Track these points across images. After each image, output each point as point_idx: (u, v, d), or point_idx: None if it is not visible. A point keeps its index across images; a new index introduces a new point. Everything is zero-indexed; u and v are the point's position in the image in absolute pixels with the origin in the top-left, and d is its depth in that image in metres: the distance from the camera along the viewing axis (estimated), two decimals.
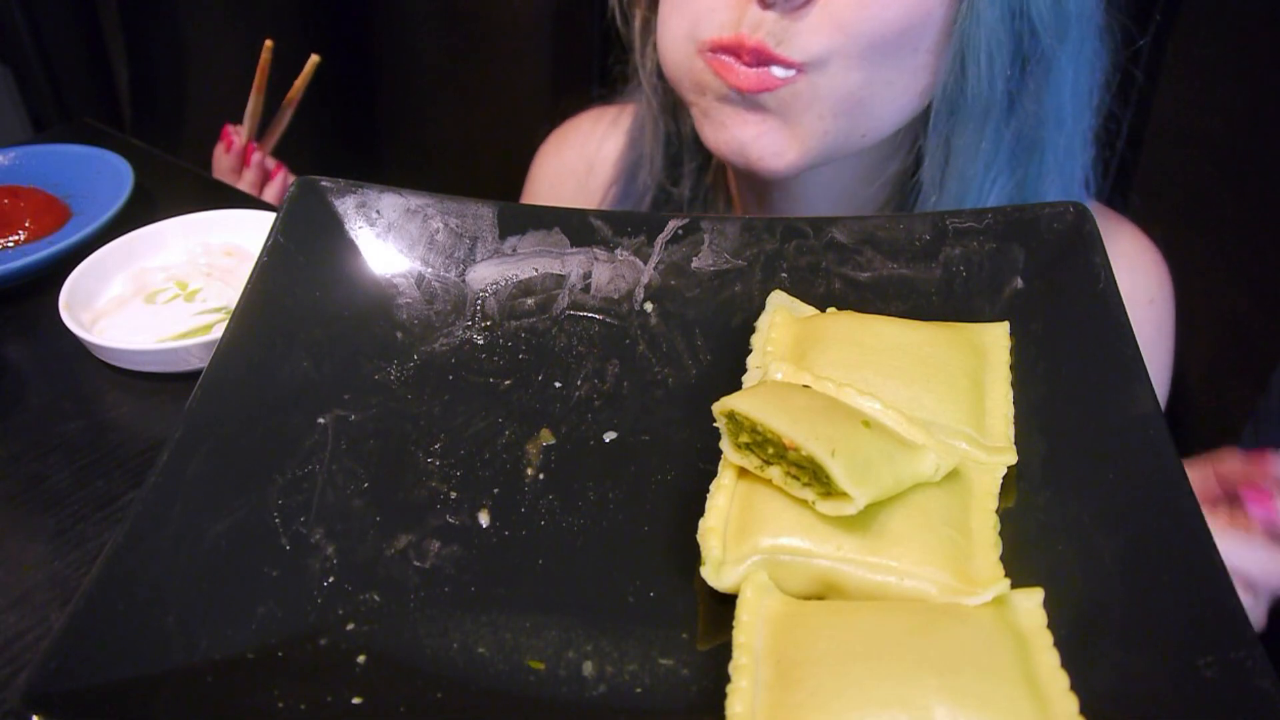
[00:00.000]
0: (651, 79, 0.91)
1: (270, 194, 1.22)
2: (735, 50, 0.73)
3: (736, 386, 0.57)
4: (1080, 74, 0.79)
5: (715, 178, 0.97)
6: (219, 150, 1.26)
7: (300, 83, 1.26)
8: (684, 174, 0.95)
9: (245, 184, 1.22)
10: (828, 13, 0.71)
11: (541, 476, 0.54)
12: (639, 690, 0.44)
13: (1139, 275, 0.91)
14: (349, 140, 1.59)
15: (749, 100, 0.75)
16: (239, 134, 1.26)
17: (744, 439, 0.49)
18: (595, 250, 0.64)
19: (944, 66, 0.75)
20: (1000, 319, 0.59)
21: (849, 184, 0.87)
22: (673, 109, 0.92)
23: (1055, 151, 0.81)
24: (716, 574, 0.46)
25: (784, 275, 0.63)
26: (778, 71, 0.73)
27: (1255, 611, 0.69)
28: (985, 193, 0.80)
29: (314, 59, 1.24)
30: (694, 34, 0.76)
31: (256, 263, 0.61)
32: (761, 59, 0.72)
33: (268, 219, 0.81)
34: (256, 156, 1.27)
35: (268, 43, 1.21)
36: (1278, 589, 0.68)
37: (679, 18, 0.77)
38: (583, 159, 1.05)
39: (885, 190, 0.88)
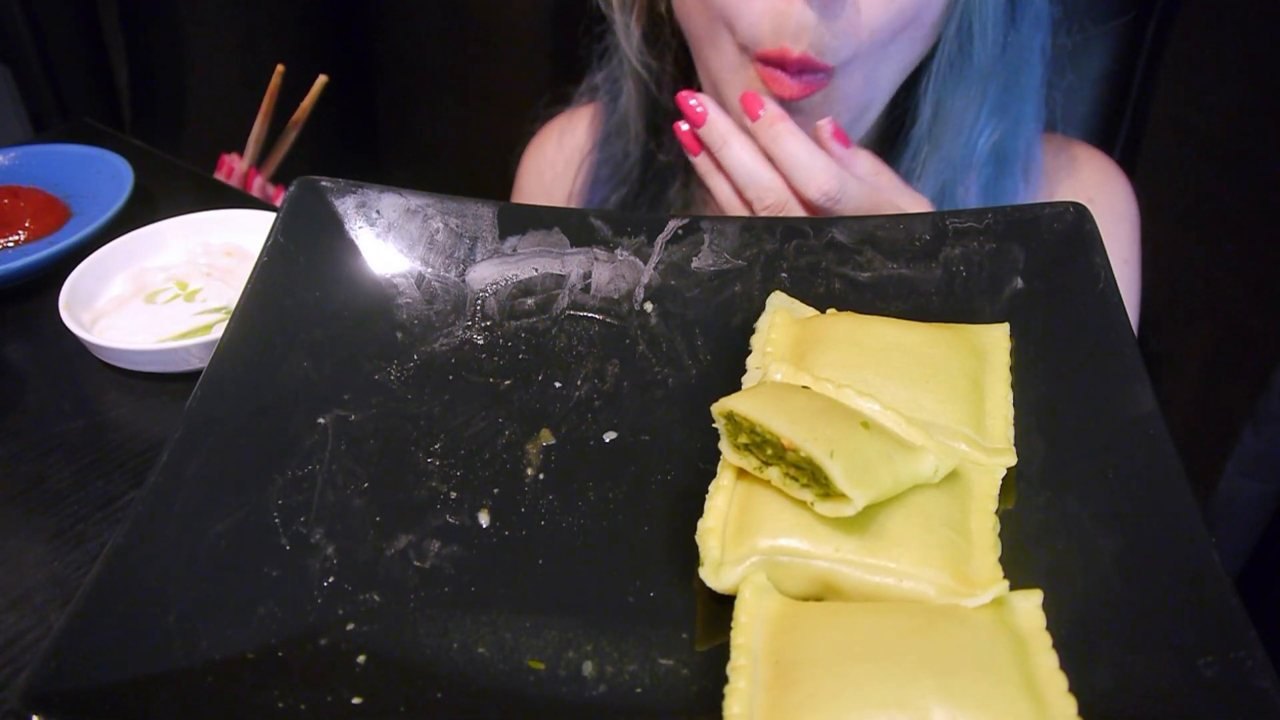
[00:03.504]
0: (638, 53, 0.93)
1: None
2: (781, 63, 0.76)
3: (736, 387, 0.57)
4: (1042, 15, 0.83)
5: None
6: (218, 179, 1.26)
7: (307, 103, 1.26)
8: (665, 142, 0.97)
9: None
10: (857, 11, 0.74)
11: (541, 476, 0.54)
12: (639, 690, 0.44)
13: (1106, 196, 0.94)
14: (349, 140, 1.59)
15: (788, 105, 0.79)
16: (237, 161, 1.26)
17: (743, 440, 0.49)
18: (595, 250, 0.64)
19: (948, 35, 0.79)
20: (1000, 319, 0.59)
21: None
22: (657, 80, 0.94)
23: (1034, 92, 0.86)
24: (715, 575, 0.46)
25: (784, 275, 0.63)
26: (815, 77, 0.76)
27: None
28: (974, 143, 0.85)
29: (322, 79, 1.24)
30: (745, 44, 0.78)
31: (256, 263, 0.61)
32: (805, 68, 0.75)
33: (268, 219, 0.81)
34: (258, 182, 1.27)
35: (279, 67, 1.21)
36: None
37: (721, 33, 0.80)
38: (560, 150, 1.07)
39: (877, 144, 0.91)
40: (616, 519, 0.52)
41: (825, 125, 0.72)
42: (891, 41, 0.77)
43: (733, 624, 0.44)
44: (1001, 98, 0.84)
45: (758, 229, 0.64)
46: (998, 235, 0.61)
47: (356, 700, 0.43)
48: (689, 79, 0.94)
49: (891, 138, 0.90)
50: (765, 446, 0.48)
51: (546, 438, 0.56)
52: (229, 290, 0.80)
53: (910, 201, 0.76)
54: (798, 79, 0.76)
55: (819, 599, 0.46)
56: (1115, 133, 1.08)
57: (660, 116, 0.97)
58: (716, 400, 0.50)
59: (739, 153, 0.72)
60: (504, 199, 0.67)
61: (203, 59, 1.55)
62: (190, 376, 0.71)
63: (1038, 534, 0.48)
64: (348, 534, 0.51)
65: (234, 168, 1.26)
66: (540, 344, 0.61)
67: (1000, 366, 0.56)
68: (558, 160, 1.07)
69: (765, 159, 0.72)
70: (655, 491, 0.53)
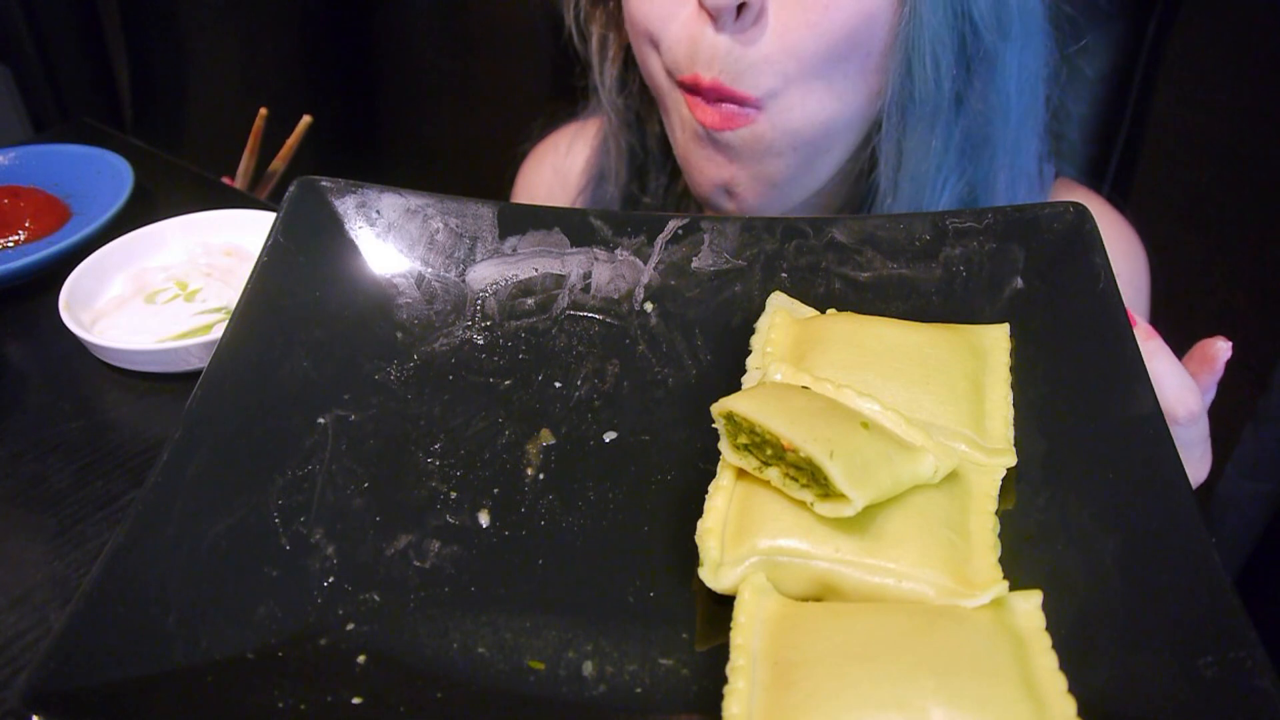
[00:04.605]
0: (611, 96, 0.93)
1: None
2: (695, 88, 0.75)
3: (736, 387, 0.57)
4: (1026, 70, 0.80)
5: (685, 187, 0.98)
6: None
7: (292, 142, 1.26)
8: (650, 185, 0.97)
9: None
10: (777, 37, 0.72)
11: (541, 476, 0.54)
12: (639, 690, 0.44)
13: (1128, 267, 0.92)
14: (349, 140, 1.59)
15: (717, 140, 0.77)
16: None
17: (743, 440, 0.49)
18: (595, 250, 0.64)
19: (893, 69, 0.75)
20: (1000, 319, 0.59)
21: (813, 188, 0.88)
22: (634, 124, 0.94)
23: (1005, 147, 0.82)
24: (714, 575, 0.46)
25: (784, 275, 0.63)
26: (738, 110, 0.74)
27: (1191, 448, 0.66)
28: (938, 192, 0.82)
29: (306, 119, 1.24)
30: (669, 68, 0.77)
31: (256, 263, 0.61)
32: (720, 96, 0.74)
33: (268, 219, 0.81)
34: None
35: (262, 110, 1.21)
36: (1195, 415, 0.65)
37: (652, 55, 0.79)
38: (556, 173, 1.07)
39: (845, 188, 0.89)
40: (616, 519, 0.52)
41: (1226, 349, 0.67)
42: (828, 71, 0.73)
43: (732, 624, 0.44)
44: (967, 145, 0.81)
45: (758, 229, 0.64)
46: (998, 235, 0.61)
47: (356, 700, 0.43)
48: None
49: (857, 183, 0.87)
50: (765, 447, 0.48)
51: (546, 438, 0.56)
52: (229, 290, 0.80)
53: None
54: (716, 107, 0.74)
55: (818, 599, 0.46)
56: (1115, 133, 1.08)
57: (640, 159, 0.96)
58: (716, 400, 0.50)
59: (1163, 364, 0.66)
60: (504, 199, 0.67)
61: (203, 59, 1.55)
62: (190, 376, 0.71)
63: (1038, 534, 0.48)
64: (348, 534, 0.51)
65: None
66: (540, 344, 0.61)
67: (1000, 367, 0.56)
68: (553, 182, 1.07)
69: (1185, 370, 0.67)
70: (655, 491, 0.53)
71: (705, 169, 0.80)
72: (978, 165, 0.82)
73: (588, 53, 0.93)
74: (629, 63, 0.91)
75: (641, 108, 0.94)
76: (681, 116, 0.80)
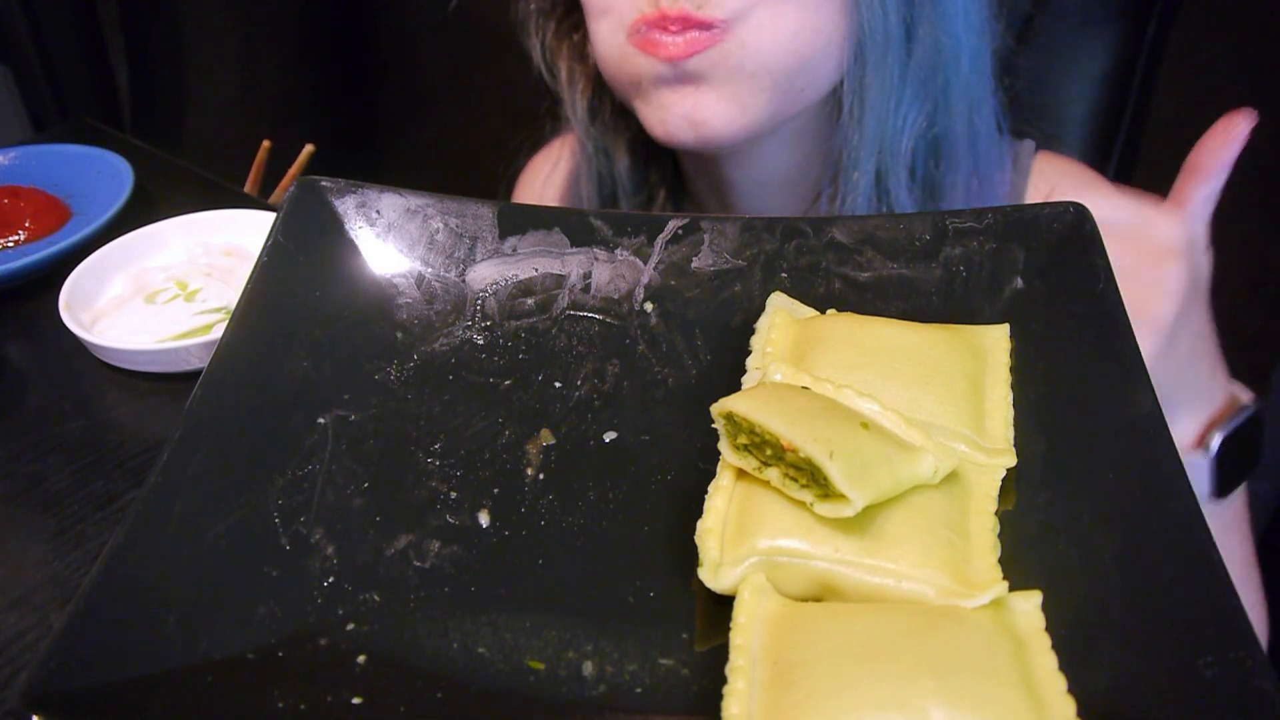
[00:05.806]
0: (583, 125, 0.93)
1: None
2: (660, 24, 0.74)
3: (736, 387, 0.57)
4: (970, 7, 0.80)
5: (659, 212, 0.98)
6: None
7: (294, 171, 1.25)
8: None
9: None
10: None
11: (541, 476, 0.54)
12: (639, 690, 0.44)
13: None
14: (349, 140, 1.59)
15: (681, 71, 0.76)
16: None
17: (743, 440, 0.49)
18: (595, 250, 0.64)
19: (848, 4, 0.76)
20: (1000, 319, 0.59)
21: (791, 153, 0.89)
22: (605, 152, 0.94)
23: (960, 83, 0.82)
24: (714, 575, 0.46)
25: (784, 275, 0.63)
26: (704, 34, 0.73)
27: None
28: (899, 129, 0.81)
29: (308, 149, 1.24)
30: (621, 23, 0.77)
31: (256, 263, 0.61)
32: (686, 25, 0.73)
33: (268, 219, 0.81)
34: None
35: (265, 143, 1.22)
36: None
37: (603, 19, 0.79)
38: (538, 199, 1.08)
39: (821, 145, 0.89)
40: (616, 519, 0.52)
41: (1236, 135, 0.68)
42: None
43: (731, 624, 0.44)
44: (923, 77, 0.81)
45: (758, 229, 0.64)
46: (998, 235, 0.61)
47: (356, 700, 0.43)
48: (635, 150, 0.93)
49: (830, 143, 0.86)
50: (765, 447, 0.48)
51: (546, 438, 0.56)
52: (229, 290, 0.80)
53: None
54: (680, 37, 0.73)
55: (818, 600, 0.46)
56: (1115, 133, 1.08)
57: (610, 188, 0.96)
58: (716, 400, 0.50)
59: None
60: (504, 199, 0.67)
61: (203, 59, 1.55)
62: (190, 376, 0.71)
63: (1038, 534, 0.48)
64: (348, 534, 0.51)
65: None
66: (540, 344, 0.61)
67: (1000, 367, 0.56)
68: (550, 196, 1.08)
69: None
70: (655, 491, 0.53)
71: (669, 102, 0.78)
72: (934, 100, 0.82)
73: (557, 86, 0.93)
74: (597, 92, 0.91)
75: (610, 139, 0.93)
76: (640, 71, 0.78)
